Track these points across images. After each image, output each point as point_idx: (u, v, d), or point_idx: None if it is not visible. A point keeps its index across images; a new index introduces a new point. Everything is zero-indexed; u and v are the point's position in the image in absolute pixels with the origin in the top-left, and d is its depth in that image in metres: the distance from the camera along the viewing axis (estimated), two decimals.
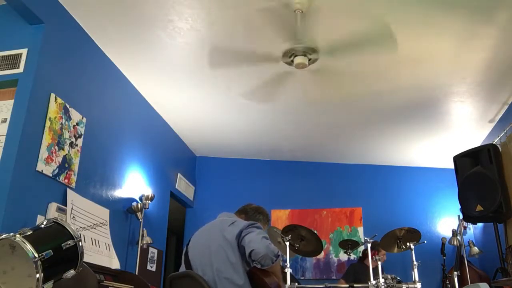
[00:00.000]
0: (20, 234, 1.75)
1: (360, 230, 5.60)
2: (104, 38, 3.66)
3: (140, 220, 4.18)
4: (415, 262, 3.41)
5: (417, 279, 3.33)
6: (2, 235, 1.74)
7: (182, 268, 2.60)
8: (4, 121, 2.87)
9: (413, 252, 3.55)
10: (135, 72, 4.17)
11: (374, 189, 5.78)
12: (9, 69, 3.01)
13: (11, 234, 1.74)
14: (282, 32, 3.34)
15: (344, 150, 5.68)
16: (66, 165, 3.21)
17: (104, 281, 2.90)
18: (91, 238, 3.33)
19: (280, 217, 5.78)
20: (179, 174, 5.51)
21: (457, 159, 4.42)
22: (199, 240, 2.63)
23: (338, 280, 5.20)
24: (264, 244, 2.35)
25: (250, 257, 2.37)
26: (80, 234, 1.96)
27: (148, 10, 3.25)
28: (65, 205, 3.12)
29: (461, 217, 4.51)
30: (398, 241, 4.07)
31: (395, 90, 4.12)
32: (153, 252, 4.64)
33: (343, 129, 5.09)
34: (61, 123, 3.19)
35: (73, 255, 1.89)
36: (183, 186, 5.64)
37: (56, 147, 3.11)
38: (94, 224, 3.17)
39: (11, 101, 2.91)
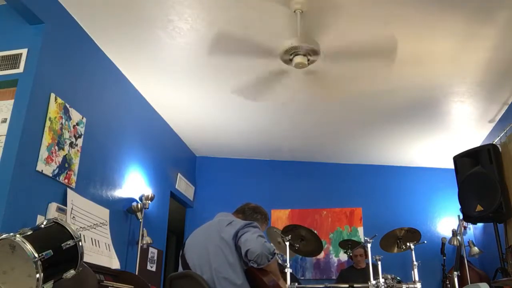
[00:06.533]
0: (20, 234, 1.75)
1: (360, 230, 5.60)
2: (104, 38, 3.66)
3: (140, 220, 4.18)
4: (415, 262, 3.41)
5: (417, 279, 3.32)
6: (2, 235, 1.74)
7: (180, 269, 2.60)
8: (4, 121, 2.87)
9: (413, 252, 3.54)
10: (135, 72, 4.17)
11: (374, 189, 5.78)
12: (9, 69, 3.01)
13: (11, 234, 1.74)
14: (282, 32, 3.34)
15: (344, 150, 5.68)
16: (66, 165, 3.21)
17: (104, 281, 2.90)
18: (91, 238, 3.33)
19: (280, 217, 5.78)
20: (179, 174, 5.51)
21: (457, 159, 4.42)
22: (196, 240, 2.62)
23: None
24: (260, 243, 2.34)
25: (247, 257, 2.36)
26: (80, 234, 1.96)
27: (148, 10, 3.25)
28: (65, 205, 3.12)
29: (461, 217, 4.51)
30: (398, 241, 4.08)
31: (395, 90, 4.12)
32: (153, 252, 4.64)
33: (343, 129, 5.09)
34: (61, 123, 3.19)
35: (73, 255, 1.89)
36: (183, 186, 5.64)
37: (56, 147, 3.11)
38: (94, 224, 3.17)
39: (11, 101, 2.91)
